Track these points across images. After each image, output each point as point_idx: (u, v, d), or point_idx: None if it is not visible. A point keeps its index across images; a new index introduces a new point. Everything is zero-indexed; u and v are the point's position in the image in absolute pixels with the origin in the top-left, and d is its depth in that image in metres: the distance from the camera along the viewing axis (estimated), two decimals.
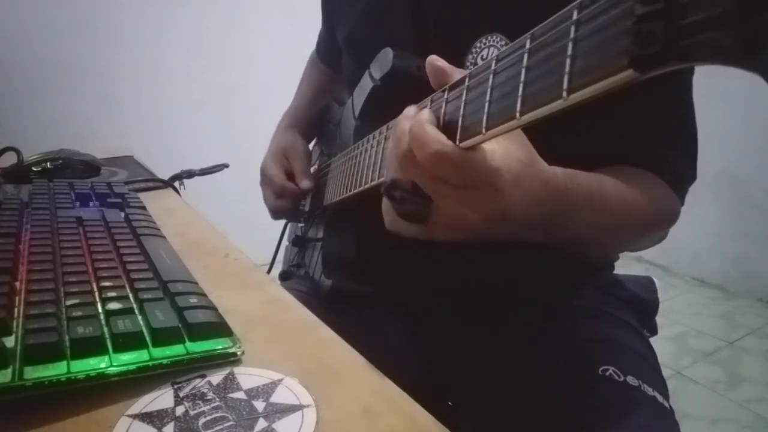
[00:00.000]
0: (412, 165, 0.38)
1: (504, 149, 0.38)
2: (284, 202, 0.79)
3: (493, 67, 0.33)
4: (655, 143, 0.55)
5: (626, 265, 0.69)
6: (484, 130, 0.33)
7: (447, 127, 0.37)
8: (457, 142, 0.36)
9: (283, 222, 0.91)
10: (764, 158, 2.08)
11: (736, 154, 2.15)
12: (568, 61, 0.26)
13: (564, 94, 0.26)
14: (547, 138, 0.40)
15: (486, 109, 0.33)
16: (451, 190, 0.38)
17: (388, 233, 0.45)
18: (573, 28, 0.26)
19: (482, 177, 0.37)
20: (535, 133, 0.38)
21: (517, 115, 0.30)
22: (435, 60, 0.40)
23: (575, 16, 0.26)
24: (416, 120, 0.38)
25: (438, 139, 0.36)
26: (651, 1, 0.21)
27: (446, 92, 0.39)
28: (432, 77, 0.41)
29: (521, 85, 0.30)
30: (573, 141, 0.49)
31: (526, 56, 0.30)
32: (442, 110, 0.38)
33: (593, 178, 0.46)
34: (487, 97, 0.33)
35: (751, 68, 0.18)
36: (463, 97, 0.36)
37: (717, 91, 1.47)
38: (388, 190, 0.41)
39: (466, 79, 0.36)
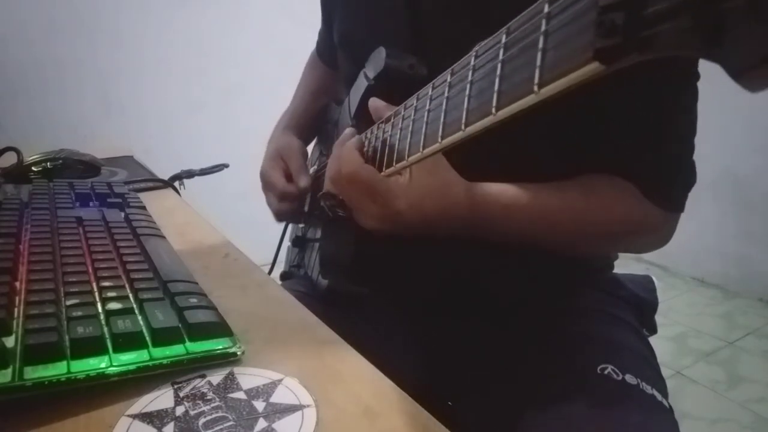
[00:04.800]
0: (337, 179, 0.52)
1: (413, 180, 0.48)
2: (286, 204, 0.79)
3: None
4: (629, 152, 0.53)
5: (626, 265, 0.69)
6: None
7: (374, 156, 0.48)
8: (384, 168, 0.46)
9: (284, 222, 0.91)
10: (764, 158, 2.08)
11: (736, 154, 2.14)
12: (539, 55, 0.25)
13: (535, 88, 0.26)
14: (515, 149, 0.46)
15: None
16: (358, 201, 0.51)
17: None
18: (544, 21, 0.25)
19: (383, 198, 0.48)
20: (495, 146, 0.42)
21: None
22: (373, 101, 0.53)
23: (546, 8, 0.25)
24: (347, 143, 0.51)
25: (354, 159, 0.49)
26: None
27: (382, 124, 0.48)
28: (372, 114, 0.52)
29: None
30: (537, 150, 0.55)
31: (502, 51, 0.30)
32: (372, 141, 0.49)
33: (522, 190, 0.52)
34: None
35: (713, 58, 0.18)
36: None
37: (717, 91, 1.46)
38: (321, 199, 0.57)
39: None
